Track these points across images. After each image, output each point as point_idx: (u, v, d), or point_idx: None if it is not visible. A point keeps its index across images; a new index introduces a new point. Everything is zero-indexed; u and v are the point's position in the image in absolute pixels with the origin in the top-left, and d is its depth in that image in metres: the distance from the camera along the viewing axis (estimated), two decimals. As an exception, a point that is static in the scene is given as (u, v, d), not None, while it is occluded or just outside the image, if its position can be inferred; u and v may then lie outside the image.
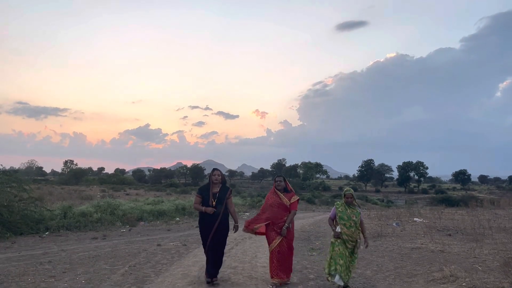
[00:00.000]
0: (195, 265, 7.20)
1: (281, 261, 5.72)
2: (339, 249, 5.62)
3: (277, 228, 5.78)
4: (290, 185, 6.22)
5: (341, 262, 5.55)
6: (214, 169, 6.18)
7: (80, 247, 9.26)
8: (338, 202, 5.92)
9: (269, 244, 5.85)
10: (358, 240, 5.68)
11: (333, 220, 5.90)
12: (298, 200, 5.99)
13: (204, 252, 5.92)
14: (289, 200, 5.89)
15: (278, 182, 6.03)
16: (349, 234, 5.61)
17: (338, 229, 5.65)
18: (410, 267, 7.14)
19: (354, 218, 5.66)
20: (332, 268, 5.62)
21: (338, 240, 5.65)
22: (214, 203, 5.79)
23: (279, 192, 5.99)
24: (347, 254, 5.61)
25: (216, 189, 5.93)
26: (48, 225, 12.02)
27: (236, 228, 6.00)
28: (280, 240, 5.74)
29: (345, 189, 6.00)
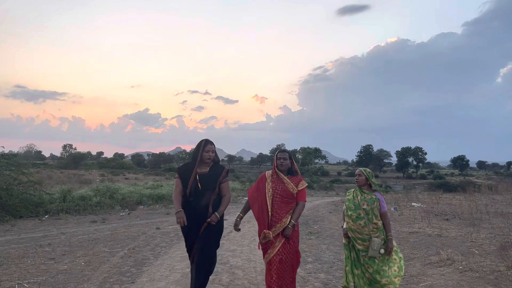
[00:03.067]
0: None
1: (283, 275, 3.94)
2: (346, 253, 4.36)
3: (276, 221, 4.03)
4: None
5: (356, 271, 4.25)
6: (206, 142, 4.15)
7: (79, 230, 9.30)
8: (350, 190, 4.50)
9: (264, 252, 4.04)
10: (374, 237, 4.10)
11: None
12: (306, 187, 4.24)
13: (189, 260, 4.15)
14: (296, 187, 4.11)
15: (282, 161, 4.16)
16: (355, 229, 4.19)
17: (343, 224, 4.36)
18: (408, 250, 7.19)
19: (364, 207, 4.18)
20: (349, 279, 4.28)
21: (347, 240, 4.34)
22: (199, 188, 4.00)
23: (282, 175, 4.15)
24: (358, 258, 4.25)
25: (205, 169, 4.11)
26: (48, 208, 12.07)
27: (213, 220, 3.95)
28: (281, 244, 3.95)
29: (358, 170, 4.44)
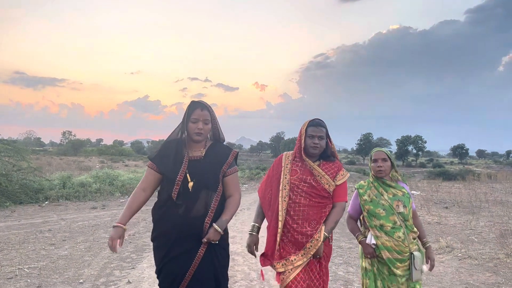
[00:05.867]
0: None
1: None
2: (367, 283, 2.89)
3: (300, 239, 2.64)
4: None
5: None
6: (194, 105, 2.53)
7: (79, 216, 9.32)
8: (362, 183, 3.06)
9: (278, 275, 2.68)
10: (414, 253, 2.77)
11: (356, 221, 3.09)
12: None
13: None
14: (333, 180, 2.71)
15: (317, 141, 2.71)
16: (393, 246, 2.76)
17: (370, 238, 2.85)
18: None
19: (401, 210, 2.81)
20: None
21: (376, 264, 2.86)
22: (190, 185, 2.42)
23: (310, 162, 2.74)
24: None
25: (198, 152, 2.55)
26: (48, 194, 12.08)
27: (212, 237, 2.39)
28: (305, 265, 2.63)
29: (374, 149, 3.00)
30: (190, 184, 2.41)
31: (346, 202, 2.78)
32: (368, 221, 2.87)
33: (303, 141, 2.78)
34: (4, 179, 11.24)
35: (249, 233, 2.82)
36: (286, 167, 2.81)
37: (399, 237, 2.77)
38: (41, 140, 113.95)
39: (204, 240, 2.37)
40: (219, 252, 2.48)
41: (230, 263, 5.37)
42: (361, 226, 3.09)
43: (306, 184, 2.70)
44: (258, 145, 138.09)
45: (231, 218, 2.52)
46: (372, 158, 2.97)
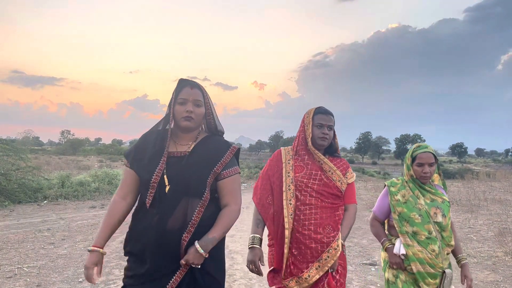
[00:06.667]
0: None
1: None
2: None
3: (313, 248, 2.23)
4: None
5: None
6: (182, 83, 2.00)
7: (78, 215, 9.32)
8: (394, 180, 2.58)
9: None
10: (447, 271, 2.36)
11: (382, 223, 2.63)
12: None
13: None
14: (344, 176, 2.37)
15: (326, 131, 2.35)
16: (426, 259, 2.33)
17: (399, 247, 2.40)
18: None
19: (439, 219, 2.38)
20: None
21: (402, 276, 2.42)
22: (167, 189, 1.88)
23: (319, 154, 2.36)
24: None
25: (184, 146, 2.00)
26: (46, 194, 12.07)
27: (192, 259, 1.80)
28: (318, 279, 2.21)
29: (416, 146, 2.51)
30: (167, 188, 1.87)
31: (357, 204, 2.45)
32: (398, 226, 2.41)
33: (309, 131, 2.35)
34: (3, 178, 11.23)
35: (250, 247, 2.29)
36: (288, 163, 2.38)
37: (433, 251, 2.33)
38: (40, 139, 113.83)
39: (182, 261, 1.80)
40: (205, 280, 1.88)
41: (230, 262, 5.41)
42: (386, 230, 2.62)
43: (316, 182, 2.29)
44: (257, 144, 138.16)
45: (221, 236, 1.90)
46: (417, 160, 2.42)
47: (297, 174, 2.33)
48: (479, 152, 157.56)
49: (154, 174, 1.88)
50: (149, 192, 1.88)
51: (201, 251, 1.80)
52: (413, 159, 2.45)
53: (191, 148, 1.98)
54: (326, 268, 2.17)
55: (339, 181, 2.32)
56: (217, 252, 1.94)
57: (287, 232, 2.23)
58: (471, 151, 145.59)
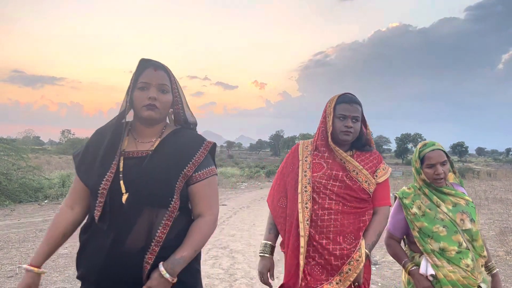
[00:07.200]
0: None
1: None
2: None
3: (333, 260, 1.91)
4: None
5: None
6: (146, 62, 1.60)
7: (79, 215, 9.33)
8: (405, 189, 2.21)
9: None
10: (482, 286, 1.99)
11: (399, 241, 2.24)
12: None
13: None
14: (373, 175, 2.03)
15: (350, 123, 2.00)
16: (463, 278, 1.92)
17: (426, 266, 1.99)
18: (407, 236, 7.24)
19: (467, 226, 2.01)
20: None
21: None
22: (124, 199, 1.48)
23: (341, 151, 2.03)
24: None
25: (146, 145, 1.60)
26: (47, 193, 12.08)
27: (156, 285, 1.42)
28: None
29: (421, 145, 2.18)
30: (124, 197, 1.47)
31: (391, 206, 2.10)
32: (422, 244, 2.01)
33: (330, 123, 2.02)
34: (4, 178, 11.25)
35: (260, 255, 2.08)
36: (305, 160, 2.05)
37: (468, 266, 1.93)
38: (40, 139, 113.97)
39: None
40: None
41: (231, 261, 5.42)
42: (406, 248, 2.23)
43: (337, 183, 1.96)
44: (258, 143, 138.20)
45: (192, 256, 1.51)
46: (426, 161, 2.07)
47: (314, 174, 2.01)
48: (480, 151, 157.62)
49: (104, 179, 1.50)
50: (97, 202, 1.49)
51: (167, 275, 1.43)
52: (422, 160, 2.11)
53: (155, 145, 1.59)
54: (348, 283, 1.87)
55: (365, 182, 1.98)
56: (190, 275, 1.57)
57: (302, 241, 1.91)
58: (472, 150, 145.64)
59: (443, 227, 1.99)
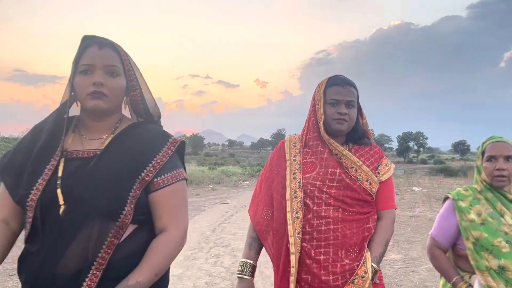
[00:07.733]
0: (194, 231, 7.26)
1: None
2: None
3: (332, 281, 1.51)
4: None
5: None
6: (89, 40, 1.25)
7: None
8: (461, 191, 1.82)
9: None
10: None
11: (446, 252, 1.86)
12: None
13: None
14: (374, 173, 1.65)
15: (343, 110, 1.60)
16: None
17: (476, 285, 1.62)
18: (409, 234, 7.23)
19: None
20: None
21: None
22: (61, 211, 1.14)
23: (336, 144, 1.63)
24: None
25: (94, 142, 1.27)
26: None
27: None
28: None
29: (487, 139, 1.82)
30: (62, 209, 1.16)
31: (396, 209, 1.74)
32: (475, 259, 1.64)
33: (321, 111, 1.65)
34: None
35: (238, 276, 1.67)
36: (294, 160, 1.67)
37: None
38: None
39: None
40: None
41: (232, 260, 5.41)
42: (454, 262, 1.86)
43: (335, 183, 1.60)
44: (259, 142, 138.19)
45: (152, 281, 1.18)
46: (486, 153, 1.75)
47: (306, 175, 1.63)
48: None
49: (33, 189, 1.17)
50: (26, 217, 1.20)
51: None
52: (483, 153, 1.79)
53: (105, 143, 1.25)
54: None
55: (367, 180, 1.61)
56: None
57: (293, 259, 1.52)
58: (474, 148, 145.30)
59: (506, 242, 1.61)
